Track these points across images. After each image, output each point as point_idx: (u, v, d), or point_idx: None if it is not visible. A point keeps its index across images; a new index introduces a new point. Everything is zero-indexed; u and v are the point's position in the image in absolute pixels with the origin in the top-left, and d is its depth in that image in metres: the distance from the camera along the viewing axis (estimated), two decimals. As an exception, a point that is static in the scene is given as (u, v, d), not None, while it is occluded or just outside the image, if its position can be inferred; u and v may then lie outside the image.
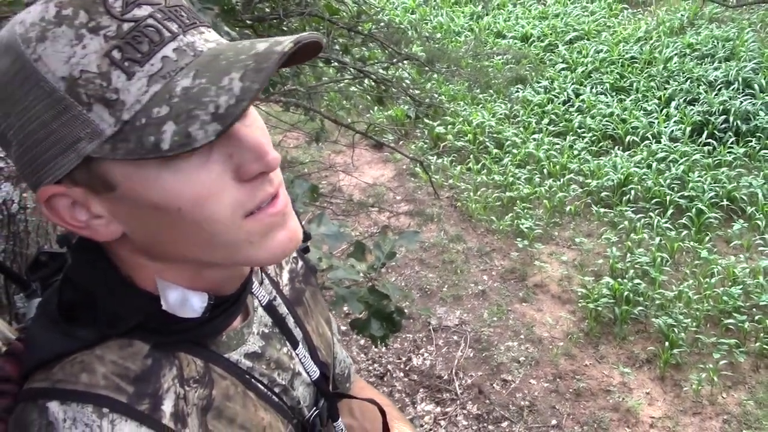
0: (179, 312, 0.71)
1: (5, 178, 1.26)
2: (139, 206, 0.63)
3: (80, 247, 0.74)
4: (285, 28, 3.11)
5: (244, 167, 0.64)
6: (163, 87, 0.59)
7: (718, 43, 7.20)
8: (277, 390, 0.83)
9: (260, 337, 0.83)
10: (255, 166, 0.64)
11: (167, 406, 0.68)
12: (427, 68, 4.38)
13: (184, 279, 0.71)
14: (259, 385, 0.80)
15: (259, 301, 0.86)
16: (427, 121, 6.62)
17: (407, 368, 4.04)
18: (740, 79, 6.39)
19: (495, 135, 6.44)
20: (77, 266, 0.74)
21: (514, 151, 6.16)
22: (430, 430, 3.63)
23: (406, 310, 4.28)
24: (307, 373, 0.88)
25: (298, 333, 0.90)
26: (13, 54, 0.61)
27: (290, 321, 0.90)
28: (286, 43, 0.60)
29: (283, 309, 0.90)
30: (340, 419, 0.95)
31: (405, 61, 4.26)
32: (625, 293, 4.28)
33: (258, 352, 0.82)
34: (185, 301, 0.71)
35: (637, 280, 4.41)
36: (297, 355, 0.88)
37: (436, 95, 6.01)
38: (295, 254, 1.01)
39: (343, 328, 4.22)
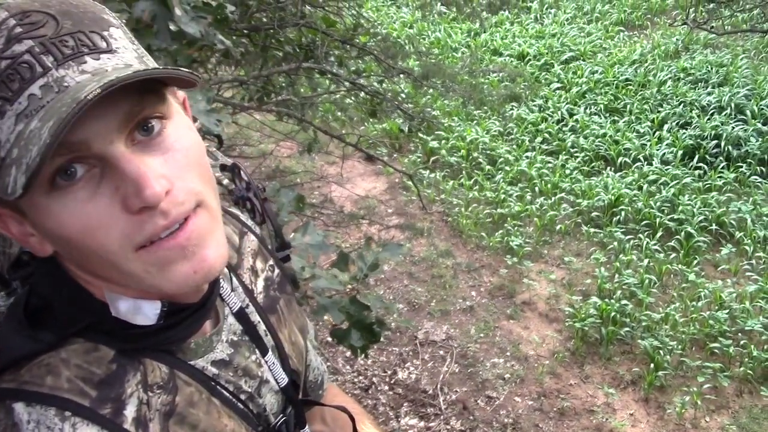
0: (132, 319, 0.72)
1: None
2: (46, 232, 0.66)
3: (41, 259, 0.74)
4: (280, 38, 3.13)
5: (127, 200, 0.63)
6: (24, 127, 0.60)
7: (712, 68, 7.26)
8: (242, 397, 0.83)
9: (229, 345, 0.84)
10: (135, 200, 0.63)
11: (129, 411, 0.69)
12: (422, 83, 4.41)
13: (132, 292, 0.71)
14: (224, 392, 0.81)
15: (230, 308, 0.86)
16: (420, 135, 6.64)
17: (392, 381, 4.04)
18: (733, 104, 6.44)
19: (488, 152, 6.47)
20: (39, 275, 0.76)
21: (507, 168, 6.18)
22: (413, 444, 3.62)
23: (392, 324, 4.30)
24: (276, 380, 0.89)
25: (269, 341, 0.91)
26: None
27: (261, 329, 0.90)
28: (94, 88, 0.58)
29: (255, 317, 0.90)
30: (307, 426, 0.95)
31: (400, 75, 4.29)
32: (612, 314, 4.29)
33: (226, 359, 0.82)
34: (137, 309, 0.72)
35: (624, 301, 4.42)
36: (266, 362, 0.88)
37: (430, 110, 6.04)
38: (272, 262, 1.01)
39: (329, 338, 4.22)
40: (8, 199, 0.59)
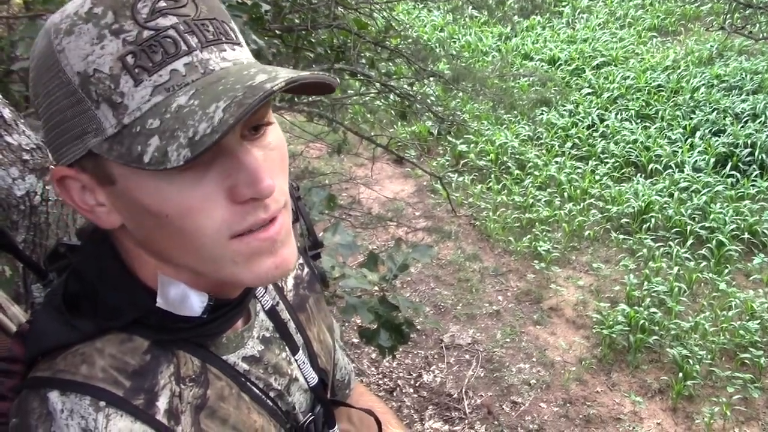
0: (178, 310, 0.72)
1: (30, 170, 1.28)
2: (134, 205, 0.65)
3: (91, 239, 0.75)
4: (313, 40, 3.15)
5: (236, 189, 0.64)
6: (164, 100, 0.61)
7: (746, 75, 7.16)
8: (272, 394, 0.84)
9: (260, 341, 0.84)
10: (247, 190, 0.64)
11: (162, 403, 0.70)
12: (452, 86, 4.41)
13: (184, 278, 0.72)
14: (254, 389, 0.81)
15: (262, 305, 0.87)
16: (450, 138, 6.64)
17: (417, 384, 4.03)
18: (767, 112, 6.34)
19: (517, 156, 6.44)
20: (84, 257, 0.76)
21: (536, 173, 6.15)
22: (437, 447, 3.61)
23: (419, 326, 4.29)
24: (306, 379, 0.89)
25: (299, 339, 0.91)
26: (46, 39, 0.64)
27: (291, 327, 0.91)
28: (279, 81, 0.59)
29: (285, 315, 0.91)
30: (336, 426, 0.95)
31: (431, 78, 4.29)
32: (641, 321, 4.24)
33: (256, 356, 0.83)
34: (185, 299, 0.72)
35: (653, 309, 4.37)
36: (296, 360, 0.88)
37: (460, 113, 6.03)
38: (301, 260, 1.02)
39: (355, 340, 4.22)
40: (145, 169, 0.59)
